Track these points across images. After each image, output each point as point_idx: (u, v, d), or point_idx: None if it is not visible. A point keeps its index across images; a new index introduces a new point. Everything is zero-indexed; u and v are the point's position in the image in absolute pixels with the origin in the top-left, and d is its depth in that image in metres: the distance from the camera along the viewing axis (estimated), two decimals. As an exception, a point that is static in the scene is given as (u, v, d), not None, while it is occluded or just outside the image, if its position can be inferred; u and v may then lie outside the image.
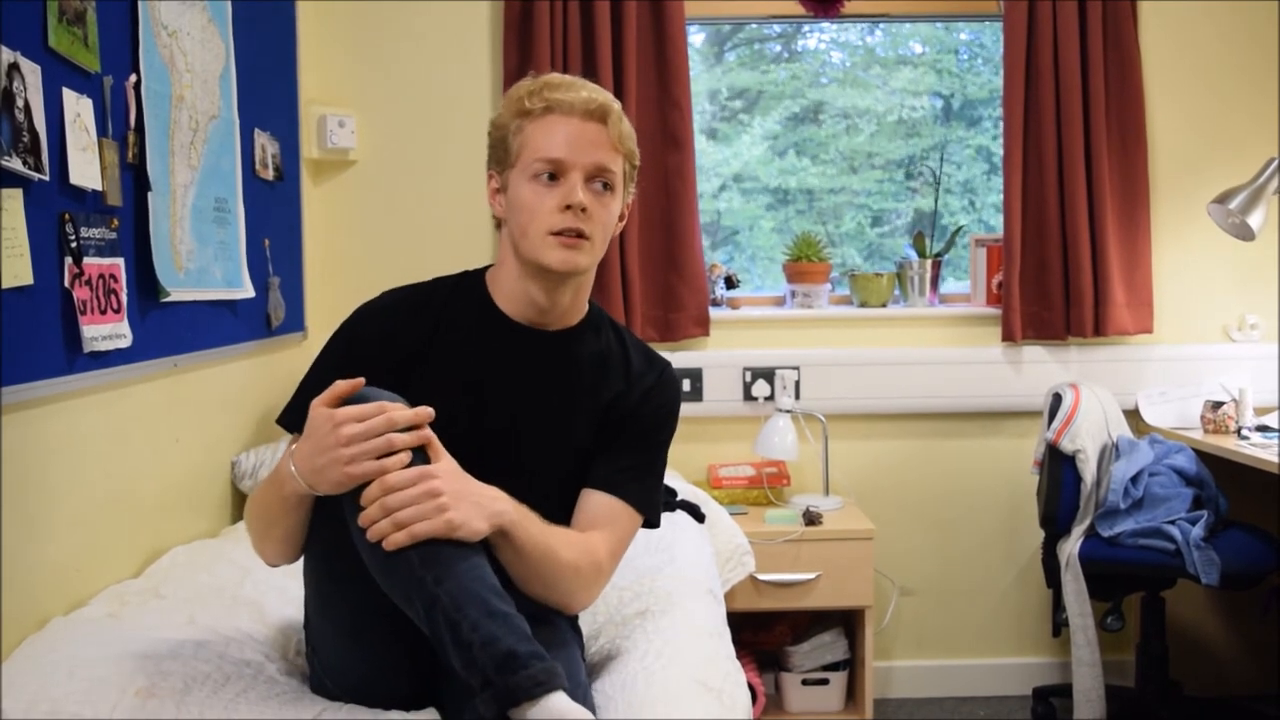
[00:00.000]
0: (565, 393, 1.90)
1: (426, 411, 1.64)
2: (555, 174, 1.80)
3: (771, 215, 4.30)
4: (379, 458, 1.58)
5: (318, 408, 1.64)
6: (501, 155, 1.87)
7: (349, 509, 1.60)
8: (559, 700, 1.47)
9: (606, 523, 1.86)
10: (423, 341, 1.86)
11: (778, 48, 4.37)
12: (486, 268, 1.96)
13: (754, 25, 4.25)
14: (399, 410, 1.61)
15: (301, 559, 1.81)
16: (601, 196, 1.83)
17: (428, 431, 1.65)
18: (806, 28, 4.25)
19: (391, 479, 1.58)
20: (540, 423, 1.88)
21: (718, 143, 4.25)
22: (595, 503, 1.87)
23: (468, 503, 1.61)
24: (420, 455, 1.63)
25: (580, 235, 1.80)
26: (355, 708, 1.71)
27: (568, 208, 1.79)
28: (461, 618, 1.51)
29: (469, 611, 1.51)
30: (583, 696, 1.67)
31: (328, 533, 1.69)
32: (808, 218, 4.25)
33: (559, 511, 1.86)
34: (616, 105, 1.85)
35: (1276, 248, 3.79)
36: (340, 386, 1.64)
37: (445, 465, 1.64)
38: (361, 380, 1.66)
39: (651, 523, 1.95)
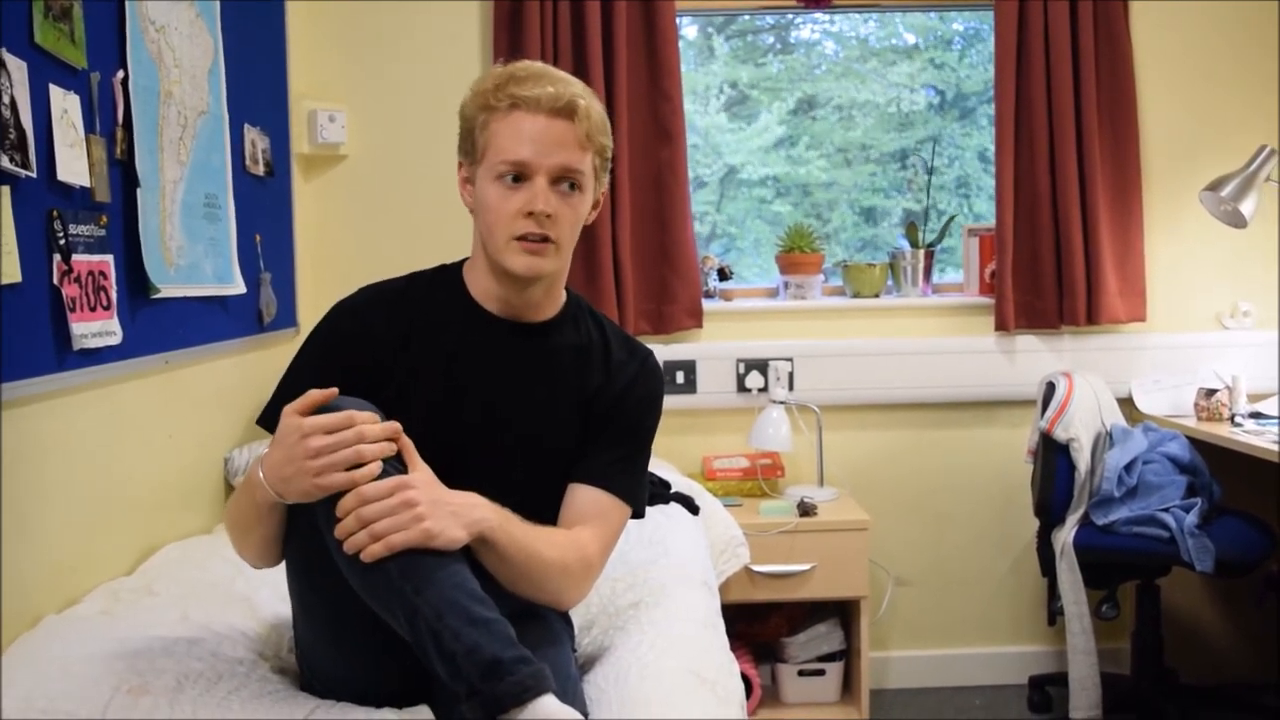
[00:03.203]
0: (546, 385, 1.88)
1: (394, 426, 1.64)
2: (520, 176, 1.76)
3: (767, 207, 4.30)
4: (349, 470, 1.57)
5: (288, 416, 1.62)
6: (469, 148, 1.84)
7: (325, 521, 1.59)
8: (547, 703, 1.47)
9: (595, 517, 1.84)
10: (400, 337, 1.84)
11: (771, 39, 4.36)
12: (463, 261, 1.94)
13: (746, 17, 4.24)
14: (370, 424, 1.60)
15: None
16: (569, 197, 1.79)
17: (404, 439, 1.65)
18: (799, 19, 4.24)
19: (366, 490, 1.56)
20: (522, 415, 1.87)
21: (720, 132, 4.25)
22: (583, 497, 1.86)
23: (445, 511, 1.59)
24: (396, 465, 1.63)
25: (545, 239, 1.77)
26: (347, 706, 1.71)
27: (531, 214, 1.76)
28: (443, 627, 1.49)
29: (450, 620, 1.49)
30: (572, 693, 1.66)
31: (306, 544, 1.67)
32: (802, 210, 4.24)
33: (546, 505, 1.85)
34: (584, 99, 1.78)
35: (1268, 235, 3.79)
36: (314, 396, 1.63)
37: (421, 475, 1.63)
38: (335, 391, 1.64)
39: (638, 514, 1.94)
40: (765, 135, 4.26)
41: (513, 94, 1.76)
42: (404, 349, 1.84)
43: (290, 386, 1.75)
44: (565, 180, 1.78)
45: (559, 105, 1.76)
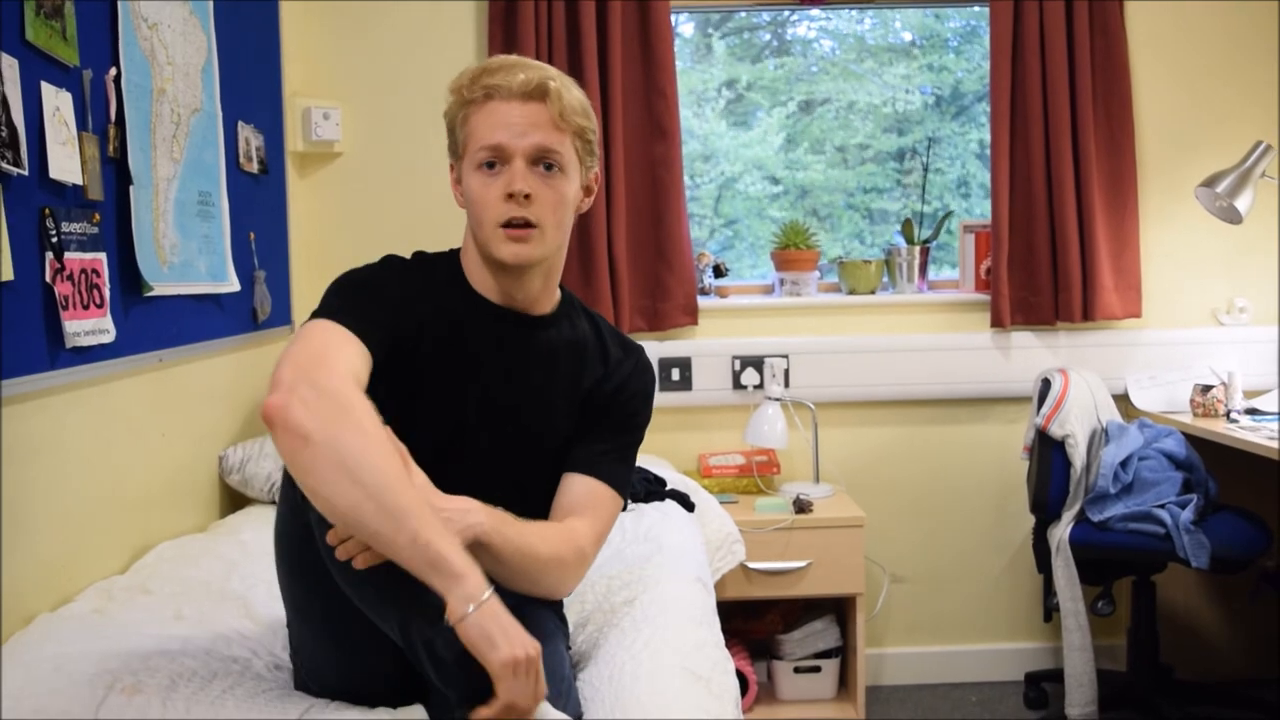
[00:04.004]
0: (547, 377, 1.89)
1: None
2: (497, 161, 1.77)
3: (769, 206, 4.29)
4: None
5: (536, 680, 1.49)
6: (454, 145, 1.85)
7: (319, 527, 1.57)
8: (540, 708, 1.47)
9: (589, 507, 1.86)
10: (419, 317, 1.82)
11: (767, 36, 4.36)
12: (455, 250, 1.93)
13: (743, 14, 4.23)
14: None
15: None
16: (549, 178, 1.79)
17: (396, 443, 1.63)
18: (795, 16, 4.23)
19: None
20: (523, 405, 1.87)
21: (718, 138, 4.25)
22: (578, 486, 1.87)
23: (439, 519, 1.57)
24: None
25: (528, 224, 1.77)
26: (342, 705, 1.70)
27: (510, 196, 1.76)
28: (436, 633, 1.48)
29: (443, 626, 1.47)
30: (565, 691, 1.66)
31: (300, 547, 1.65)
32: (799, 209, 4.24)
33: (543, 493, 1.86)
34: (555, 81, 1.79)
35: (1264, 230, 3.79)
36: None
37: (415, 479, 1.61)
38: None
39: (623, 506, 1.96)
40: (764, 144, 4.25)
41: (486, 84, 1.78)
42: (420, 328, 1.82)
43: (363, 311, 1.71)
44: (543, 161, 1.78)
45: (530, 89, 1.77)
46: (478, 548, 1.64)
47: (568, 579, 1.83)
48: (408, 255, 1.93)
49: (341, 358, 1.62)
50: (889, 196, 4.29)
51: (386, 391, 1.71)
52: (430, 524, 1.48)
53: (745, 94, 4.28)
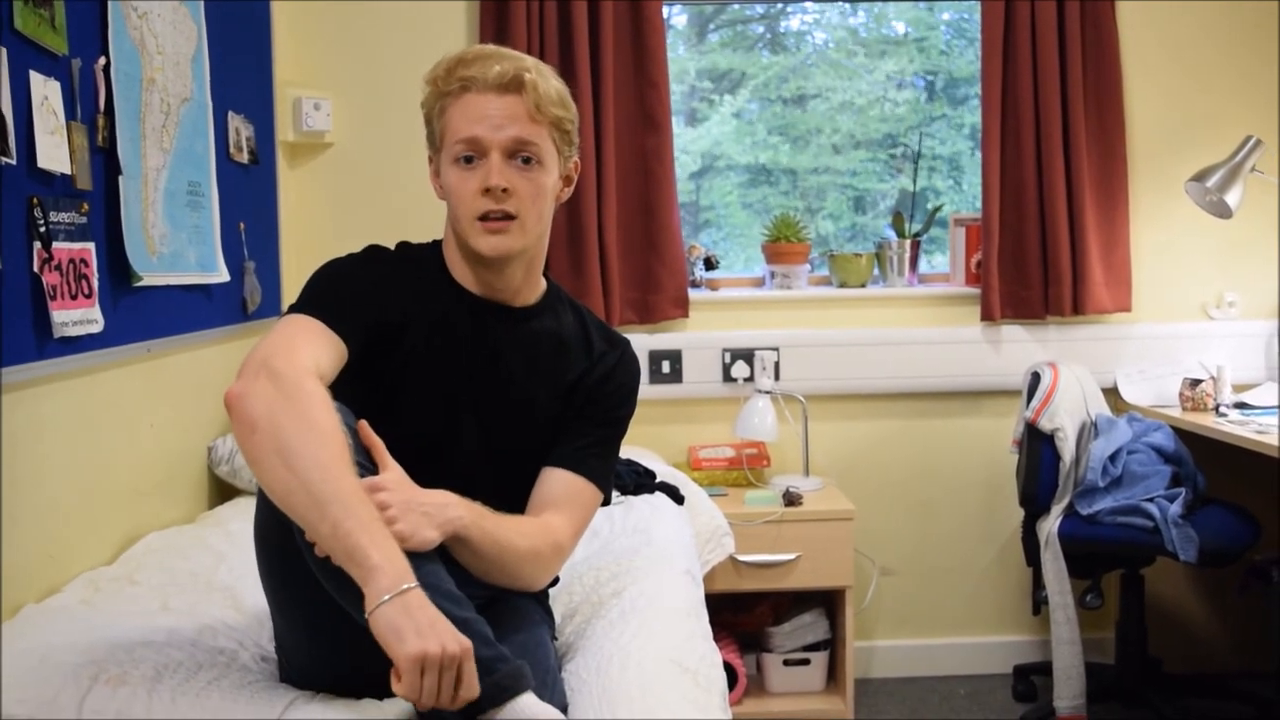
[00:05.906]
0: (528, 368, 1.89)
1: (360, 425, 1.64)
2: (474, 155, 1.77)
3: (754, 194, 4.29)
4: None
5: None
6: (432, 137, 1.85)
7: (297, 525, 1.54)
8: (526, 701, 1.47)
9: (567, 501, 1.86)
10: (402, 308, 1.82)
11: (760, 28, 4.35)
12: (436, 242, 1.93)
13: (736, 6, 4.23)
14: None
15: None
16: (527, 171, 1.79)
17: (374, 439, 1.64)
18: (789, 8, 4.23)
19: None
20: (504, 398, 1.87)
21: (699, 124, 4.24)
22: (557, 479, 1.87)
23: (416, 513, 1.58)
24: (366, 465, 1.61)
25: (507, 216, 1.77)
26: (327, 697, 1.69)
27: (488, 191, 1.76)
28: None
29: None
30: (551, 683, 1.66)
31: (279, 544, 1.64)
32: (791, 199, 4.24)
33: (524, 487, 1.86)
34: (531, 73, 1.78)
35: (1254, 225, 3.80)
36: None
37: (392, 475, 1.62)
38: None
39: (605, 501, 1.95)
40: (726, 134, 4.24)
41: (462, 76, 1.77)
42: (402, 321, 1.82)
43: (339, 304, 1.72)
44: (520, 154, 1.78)
45: (505, 81, 1.76)
46: (456, 541, 1.65)
47: (544, 572, 1.83)
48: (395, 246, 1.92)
49: (305, 349, 1.63)
50: (878, 180, 4.28)
51: (368, 384, 1.71)
52: (355, 515, 1.46)
53: (739, 81, 4.27)
